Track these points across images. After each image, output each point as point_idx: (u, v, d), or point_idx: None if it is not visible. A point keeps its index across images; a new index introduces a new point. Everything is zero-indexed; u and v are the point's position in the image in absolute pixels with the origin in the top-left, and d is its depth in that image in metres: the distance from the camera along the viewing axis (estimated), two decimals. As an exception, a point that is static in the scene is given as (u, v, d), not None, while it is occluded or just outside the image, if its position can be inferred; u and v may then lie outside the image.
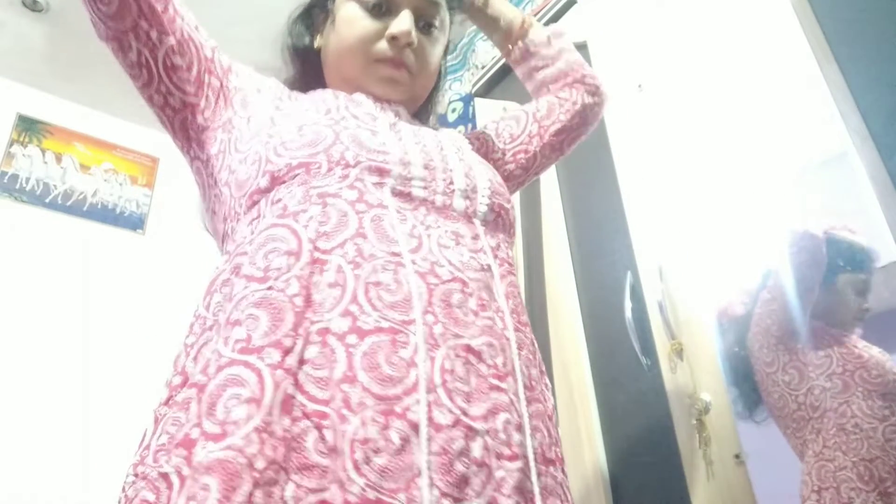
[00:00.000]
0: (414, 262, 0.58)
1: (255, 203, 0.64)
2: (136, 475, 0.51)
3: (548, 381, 0.70)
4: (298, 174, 0.62)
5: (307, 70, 0.86)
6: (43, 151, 2.60)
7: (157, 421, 0.55)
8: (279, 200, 0.61)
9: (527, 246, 1.69)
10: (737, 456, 1.18)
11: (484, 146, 0.92)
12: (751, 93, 1.37)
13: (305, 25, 0.87)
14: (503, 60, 2.03)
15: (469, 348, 0.56)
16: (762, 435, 1.31)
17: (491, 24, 1.00)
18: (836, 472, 1.11)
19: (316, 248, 0.57)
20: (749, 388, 1.30)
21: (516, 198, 1.78)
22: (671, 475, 1.20)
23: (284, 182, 0.62)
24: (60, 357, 2.27)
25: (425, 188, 0.66)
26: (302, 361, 0.52)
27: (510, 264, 0.70)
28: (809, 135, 1.29)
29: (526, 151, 0.92)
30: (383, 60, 0.77)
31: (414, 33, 0.77)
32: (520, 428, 0.56)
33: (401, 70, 0.78)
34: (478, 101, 2.14)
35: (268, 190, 0.63)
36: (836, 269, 1.26)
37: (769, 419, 1.30)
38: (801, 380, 1.20)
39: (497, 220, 0.71)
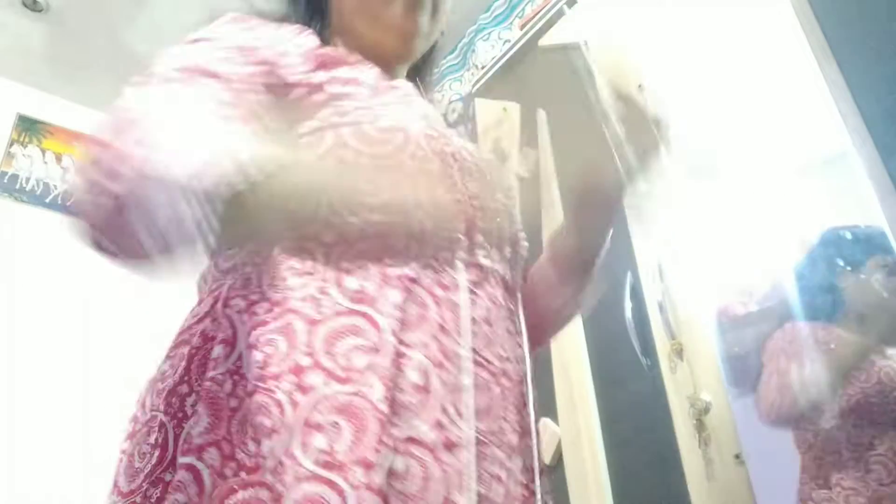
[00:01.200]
0: (489, 362, 0.54)
1: (305, 249, 0.54)
2: None
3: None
4: (373, 247, 0.53)
5: (309, 9, 0.73)
6: (43, 151, 2.60)
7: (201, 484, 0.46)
8: (350, 274, 0.52)
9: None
10: (737, 456, 1.18)
11: None
12: (751, 93, 1.37)
13: None
14: (503, 60, 2.04)
15: (524, 457, 0.54)
16: (762, 435, 1.31)
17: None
18: (841, 480, 1.11)
19: (400, 342, 0.50)
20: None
21: (516, 197, 1.78)
22: (671, 475, 1.20)
23: (354, 250, 0.53)
24: (61, 357, 2.27)
25: (486, 256, 0.59)
26: (393, 475, 0.46)
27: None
28: (809, 135, 1.29)
29: None
30: None
31: None
32: None
33: None
34: (478, 101, 2.14)
35: (330, 246, 0.54)
36: (863, 255, 1.24)
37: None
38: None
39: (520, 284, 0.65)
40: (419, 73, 0.81)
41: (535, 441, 0.57)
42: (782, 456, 1.28)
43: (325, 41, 0.68)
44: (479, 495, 0.47)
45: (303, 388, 0.48)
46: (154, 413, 0.51)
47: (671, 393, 1.25)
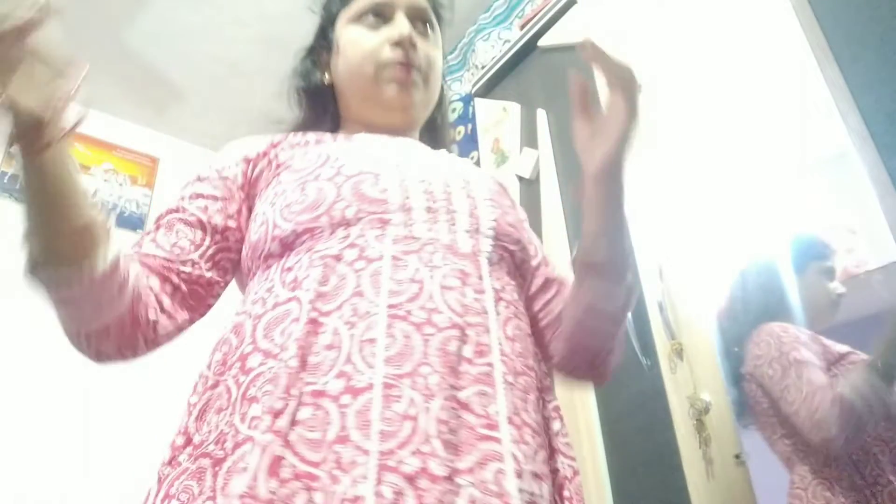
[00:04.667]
0: (410, 314, 0.58)
1: (268, 266, 0.67)
2: None
3: (549, 429, 0.67)
4: (305, 240, 0.65)
5: (319, 109, 0.88)
6: (43, 151, 2.60)
7: (160, 481, 0.55)
8: (290, 269, 0.64)
9: (527, 246, 1.69)
10: (737, 456, 1.18)
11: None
12: (751, 93, 1.37)
13: (313, 63, 0.90)
14: (503, 60, 2.03)
15: (458, 400, 0.55)
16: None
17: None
18: (846, 492, 1.10)
19: (314, 309, 0.59)
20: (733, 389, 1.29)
21: (516, 196, 1.78)
22: (671, 475, 1.20)
23: (293, 249, 0.65)
24: (60, 357, 2.26)
25: (430, 229, 0.66)
26: (294, 423, 0.52)
27: (517, 308, 0.68)
28: (809, 135, 1.29)
29: None
30: (392, 65, 0.80)
31: (413, 33, 0.82)
32: (519, 476, 0.54)
33: (410, 73, 0.81)
34: (478, 101, 2.14)
35: (279, 256, 0.66)
36: (805, 261, 1.32)
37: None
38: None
39: (501, 262, 0.70)
40: (431, 127, 0.92)
41: (509, 385, 0.59)
42: (782, 456, 1.28)
43: (335, 129, 0.86)
44: (382, 432, 0.51)
45: (245, 371, 0.58)
46: None
47: (671, 393, 1.25)
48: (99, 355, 0.68)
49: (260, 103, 2.84)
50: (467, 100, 2.28)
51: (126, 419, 2.28)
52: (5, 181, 2.49)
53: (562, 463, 0.64)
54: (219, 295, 0.73)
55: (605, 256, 0.68)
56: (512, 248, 0.72)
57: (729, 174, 1.40)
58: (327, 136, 0.80)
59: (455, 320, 0.59)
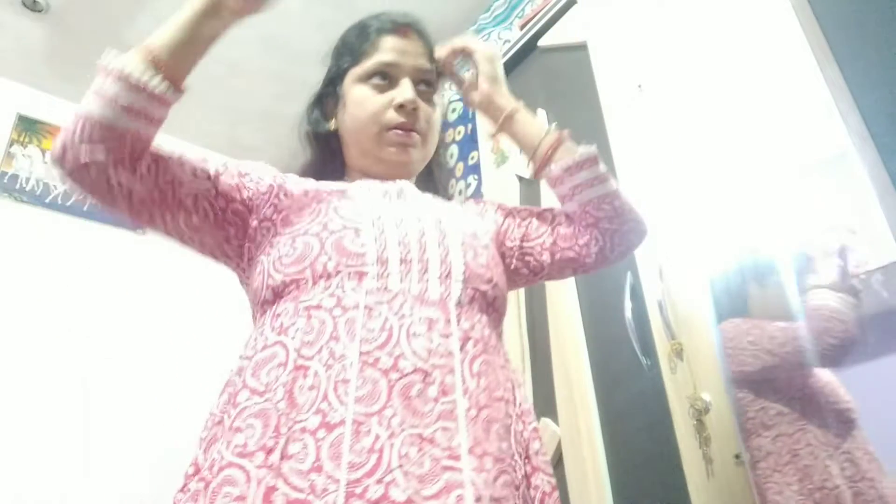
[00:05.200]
0: (378, 360, 0.65)
1: (264, 312, 0.75)
2: None
3: (528, 450, 0.74)
4: (291, 290, 0.73)
5: (327, 150, 0.96)
6: (43, 151, 2.60)
7: None
8: (278, 315, 0.72)
9: (527, 246, 1.69)
10: (737, 456, 1.18)
11: (506, 230, 0.94)
12: (751, 93, 1.37)
13: (320, 111, 0.98)
14: (503, 60, 2.03)
15: (421, 437, 0.63)
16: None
17: (518, 144, 0.97)
18: (795, 496, 1.11)
19: (300, 356, 0.67)
20: None
21: (516, 197, 1.78)
22: (671, 475, 1.20)
23: (282, 297, 0.73)
24: (60, 357, 2.27)
25: (401, 280, 0.72)
26: (285, 456, 0.61)
27: (486, 343, 0.74)
28: (809, 135, 1.29)
29: (536, 259, 0.92)
30: (394, 127, 0.88)
31: (417, 99, 0.89)
32: (478, 500, 0.61)
33: (411, 135, 0.89)
34: (478, 101, 2.13)
35: (272, 302, 0.74)
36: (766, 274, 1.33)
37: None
38: (757, 398, 1.21)
39: (472, 302, 0.75)
40: (428, 174, 1.00)
41: (472, 419, 0.66)
42: (782, 456, 1.28)
43: (342, 170, 0.95)
44: (351, 463, 0.59)
45: (234, 405, 0.67)
46: None
47: (671, 393, 1.25)
48: (79, 142, 0.77)
49: (260, 103, 2.84)
50: (467, 100, 2.28)
51: (126, 419, 2.28)
52: (5, 181, 2.49)
53: (541, 479, 0.72)
54: (160, 214, 0.77)
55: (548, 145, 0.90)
56: (483, 287, 0.78)
57: (729, 174, 1.40)
58: (323, 184, 0.86)
59: (418, 365, 0.66)
